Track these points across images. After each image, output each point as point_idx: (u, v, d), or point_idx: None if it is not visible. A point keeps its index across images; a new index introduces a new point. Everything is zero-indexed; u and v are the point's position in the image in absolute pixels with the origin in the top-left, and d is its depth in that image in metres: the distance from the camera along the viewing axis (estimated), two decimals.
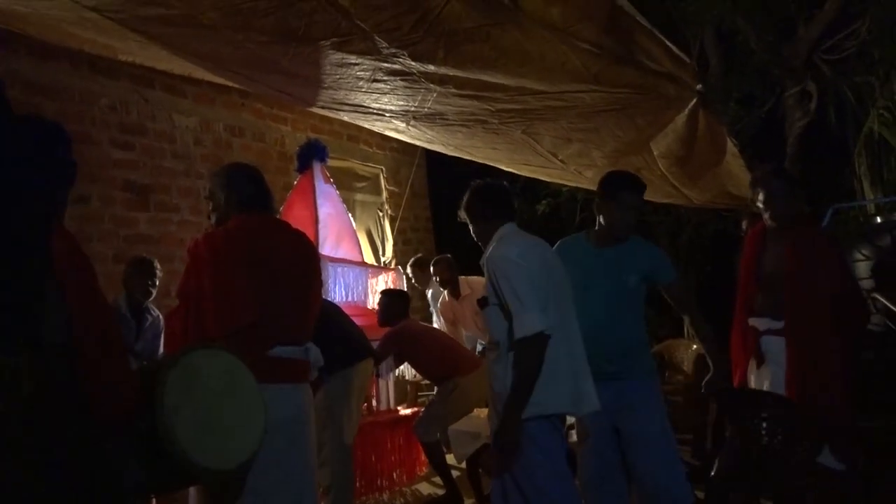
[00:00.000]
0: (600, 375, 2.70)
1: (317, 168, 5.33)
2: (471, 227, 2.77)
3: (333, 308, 3.90)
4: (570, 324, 2.59)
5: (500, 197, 2.72)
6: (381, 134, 7.13)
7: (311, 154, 5.36)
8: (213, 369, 1.93)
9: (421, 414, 4.66)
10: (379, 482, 4.88)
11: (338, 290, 4.96)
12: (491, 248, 2.61)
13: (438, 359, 4.45)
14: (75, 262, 1.53)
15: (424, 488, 4.96)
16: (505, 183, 2.85)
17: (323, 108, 3.97)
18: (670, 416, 4.86)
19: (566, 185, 8.76)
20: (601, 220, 2.91)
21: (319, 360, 2.59)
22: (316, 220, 5.08)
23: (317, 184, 5.26)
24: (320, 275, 2.71)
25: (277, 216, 2.76)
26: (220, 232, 2.44)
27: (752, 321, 3.03)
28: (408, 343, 4.53)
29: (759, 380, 3.02)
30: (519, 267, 2.49)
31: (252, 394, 2.01)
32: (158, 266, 4.31)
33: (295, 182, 5.54)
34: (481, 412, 3.89)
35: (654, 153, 3.81)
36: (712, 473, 3.01)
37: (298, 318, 2.52)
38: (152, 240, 5.30)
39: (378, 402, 5.33)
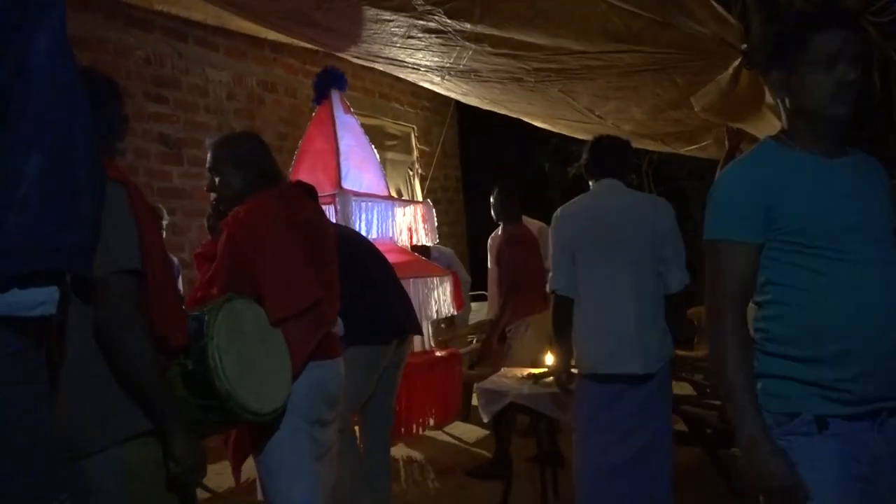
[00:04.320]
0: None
1: (335, 97, 4.85)
2: None
3: (377, 273, 3.25)
4: (622, 282, 2.66)
5: (605, 154, 2.89)
6: (412, 92, 7.09)
7: (328, 82, 4.85)
8: (250, 317, 2.01)
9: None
10: (412, 426, 4.84)
11: (362, 226, 4.61)
12: None
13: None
14: (141, 197, 1.59)
15: (458, 431, 4.98)
16: (623, 139, 3.02)
17: (358, 58, 3.94)
18: (702, 383, 4.80)
19: None
20: (787, 103, 1.59)
21: (342, 330, 2.50)
22: (337, 153, 4.68)
23: (336, 114, 4.80)
24: (336, 240, 2.51)
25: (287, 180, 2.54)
26: (254, 211, 2.21)
27: None
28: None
29: None
30: (555, 228, 2.83)
31: (281, 346, 2.09)
32: (165, 215, 4.31)
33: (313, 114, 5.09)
34: (508, 371, 3.91)
35: (696, 108, 3.68)
36: None
37: (336, 291, 2.41)
38: (185, 194, 5.35)
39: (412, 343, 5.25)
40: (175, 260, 4.31)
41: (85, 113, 1.09)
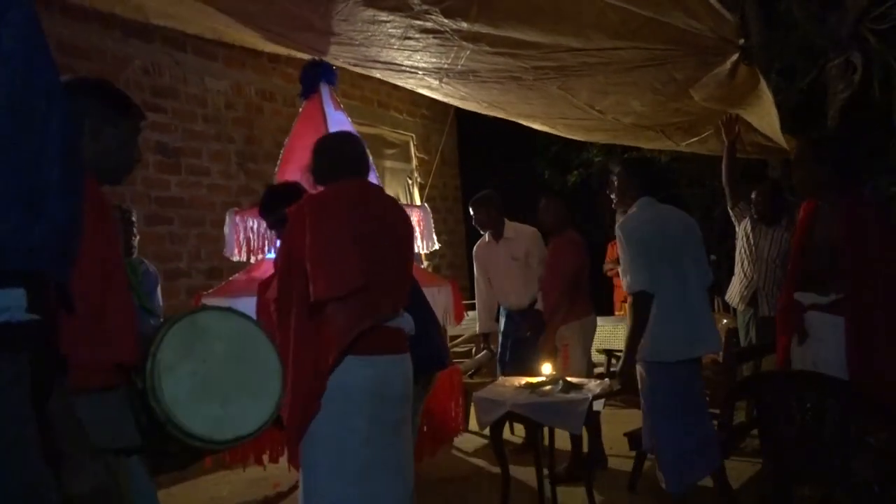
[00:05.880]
0: None
1: (325, 92, 4.47)
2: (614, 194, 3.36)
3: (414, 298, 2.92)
4: (688, 280, 3.11)
5: (635, 176, 3.24)
6: (411, 101, 7.09)
7: (317, 75, 4.46)
8: (223, 332, 1.77)
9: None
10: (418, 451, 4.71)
11: None
12: (622, 218, 3.25)
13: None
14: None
15: (456, 441, 4.90)
16: (657, 158, 3.34)
17: (356, 65, 3.92)
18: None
19: (598, 158, 8.68)
20: None
21: (412, 329, 2.49)
22: None
23: (326, 110, 4.42)
24: (413, 243, 2.58)
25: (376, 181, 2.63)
26: (318, 196, 2.38)
27: (798, 296, 2.98)
28: None
29: (800, 356, 2.96)
30: (627, 238, 3.11)
31: (266, 364, 1.84)
32: (135, 218, 3.89)
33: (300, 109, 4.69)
34: (506, 380, 3.87)
35: (696, 97, 3.70)
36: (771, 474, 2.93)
37: (399, 286, 2.44)
38: (183, 202, 5.35)
39: None
40: (152, 269, 3.92)
41: (61, 115, 1.05)
